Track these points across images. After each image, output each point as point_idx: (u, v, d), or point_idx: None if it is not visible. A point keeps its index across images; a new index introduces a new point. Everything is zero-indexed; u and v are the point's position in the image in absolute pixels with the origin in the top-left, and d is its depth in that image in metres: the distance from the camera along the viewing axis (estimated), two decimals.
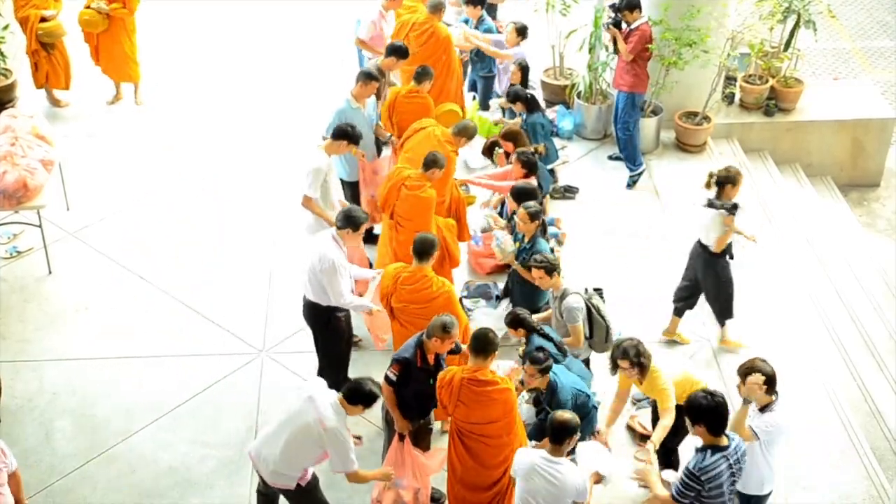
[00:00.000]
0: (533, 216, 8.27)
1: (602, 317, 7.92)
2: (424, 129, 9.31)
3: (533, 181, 8.99)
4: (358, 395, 6.46)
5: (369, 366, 8.41)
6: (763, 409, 6.49)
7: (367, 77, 9.29)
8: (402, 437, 7.03)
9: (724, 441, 6.12)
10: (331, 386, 7.75)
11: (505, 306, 9.11)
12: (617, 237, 10.32)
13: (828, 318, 9.71)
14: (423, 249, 7.63)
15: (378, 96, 9.94)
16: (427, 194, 8.60)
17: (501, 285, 9.35)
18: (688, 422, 6.20)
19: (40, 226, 9.58)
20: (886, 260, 10.97)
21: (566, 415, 6.21)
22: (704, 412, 6.05)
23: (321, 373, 8.12)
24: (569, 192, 10.88)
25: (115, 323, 9.15)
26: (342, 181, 9.63)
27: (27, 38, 11.62)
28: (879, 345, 9.55)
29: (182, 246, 10.06)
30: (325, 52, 12.91)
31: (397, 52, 9.88)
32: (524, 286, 8.54)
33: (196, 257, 9.90)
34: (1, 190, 9.17)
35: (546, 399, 7.19)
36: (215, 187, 10.91)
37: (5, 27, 11.67)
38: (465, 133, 9.26)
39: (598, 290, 8.90)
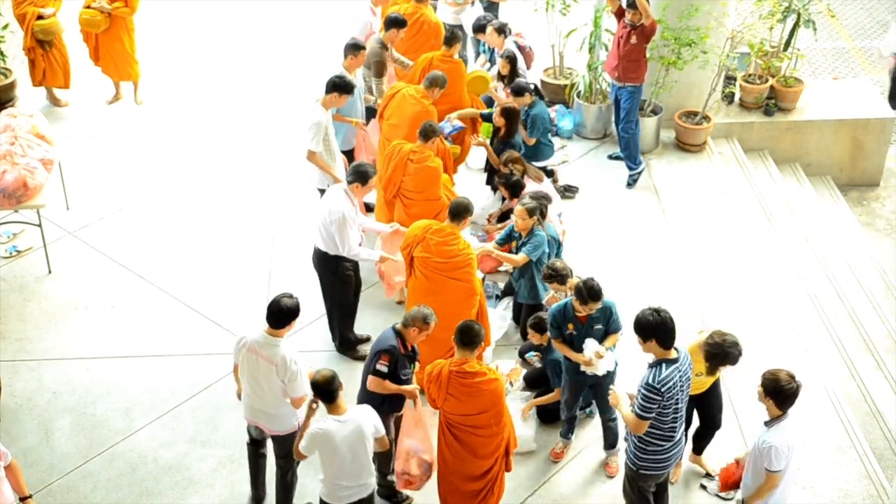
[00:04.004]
0: (531, 212, 8.34)
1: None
2: (399, 93, 9.61)
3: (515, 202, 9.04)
4: (273, 316, 6.70)
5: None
6: (769, 422, 6.43)
7: (354, 48, 9.54)
8: (414, 403, 7.15)
9: (673, 354, 6.40)
10: (337, 334, 8.50)
11: (505, 305, 9.13)
12: (616, 236, 10.32)
13: (827, 318, 9.71)
14: (457, 212, 7.99)
15: (383, 72, 10.18)
16: (435, 163, 8.93)
17: (502, 285, 9.36)
18: (638, 339, 6.45)
19: (40, 225, 9.58)
20: (886, 259, 10.98)
21: (325, 372, 6.39)
22: (654, 328, 6.34)
23: (330, 321, 8.61)
24: (568, 191, 10.88)
25: (115, 322, 9.15)
26: None
27: (24, 35, 11.62)
28: (879, 344, 9.56)
29: (182, 245, 10.06)
30: (322, 50, 12.88)
31: (396, 22, 10.16)
32: (527, 282, 8.55)
33: (196, 256, 9.89)
34: (1, 189, 9.17)
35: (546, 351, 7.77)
36: (214, 186, 10.91)
37: (5, 26, 11.68)
38: (437, 83, 9.53)
39: None
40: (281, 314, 6.71)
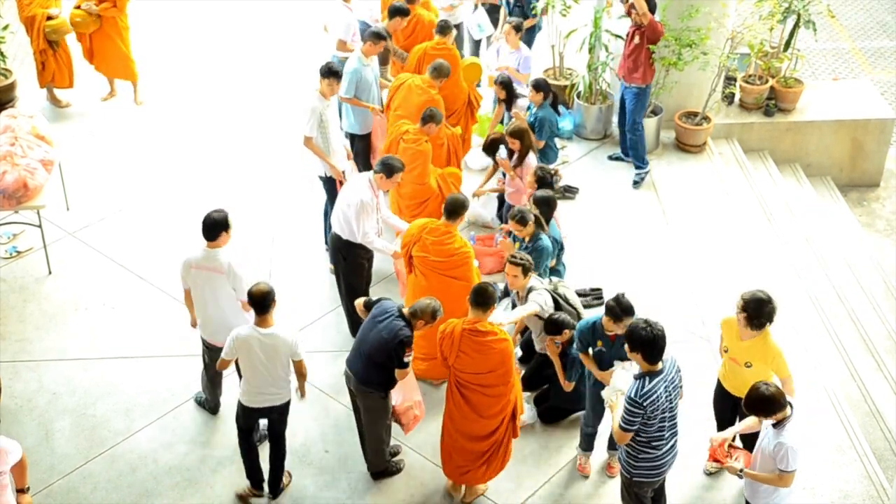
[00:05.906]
0: (521, 221, 8.24)
1: (572, 305, 7.86)
2: (404, 83, 9.83)
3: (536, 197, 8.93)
4: (207, 230, 7.32)
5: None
6: (777, 424, 6.41)
7: (376, 36, 9.71)
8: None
9: (659, 366, 6.36)
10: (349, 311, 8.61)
11: (505, 306, 9.11)
12: (617, 237, 10.32)
13: (827, 318, 9.71)
14: (452, 209, 8.07)
15: (385, 61, 10.26)
16: (423, 147, 9.13)
17: (501, 285, 9.34)
18: (626, 347, 6.41)
19: (40, 226, 9.58)
20: (886, 260, 10.98)
21: (263, 286, 6.86)
22: (643, 343, 6.28)
23: (342, 298, 8.84)
24: (569, 192, 10.88)
25: (115, 323, 9.16)
26: (353, 135, 10.02)
27: (35, 37, 11.55)
28: (879, 344, 9.56)
29: (182, 246, 10.00)
30: (320, 47, 12.89)
31: (399, 11, 10.39)
32: None
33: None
34: (1, 190, 9.17)
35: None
36: (214, 187, 10.90)
37: (5, 27, 11.67)
38: (442, 73, 9.72)
39: (598, 290, 8.91)
40: (213, 226, 7.31)
